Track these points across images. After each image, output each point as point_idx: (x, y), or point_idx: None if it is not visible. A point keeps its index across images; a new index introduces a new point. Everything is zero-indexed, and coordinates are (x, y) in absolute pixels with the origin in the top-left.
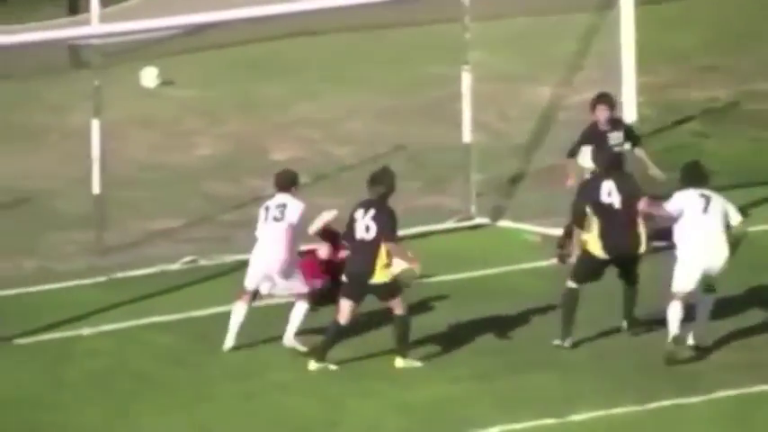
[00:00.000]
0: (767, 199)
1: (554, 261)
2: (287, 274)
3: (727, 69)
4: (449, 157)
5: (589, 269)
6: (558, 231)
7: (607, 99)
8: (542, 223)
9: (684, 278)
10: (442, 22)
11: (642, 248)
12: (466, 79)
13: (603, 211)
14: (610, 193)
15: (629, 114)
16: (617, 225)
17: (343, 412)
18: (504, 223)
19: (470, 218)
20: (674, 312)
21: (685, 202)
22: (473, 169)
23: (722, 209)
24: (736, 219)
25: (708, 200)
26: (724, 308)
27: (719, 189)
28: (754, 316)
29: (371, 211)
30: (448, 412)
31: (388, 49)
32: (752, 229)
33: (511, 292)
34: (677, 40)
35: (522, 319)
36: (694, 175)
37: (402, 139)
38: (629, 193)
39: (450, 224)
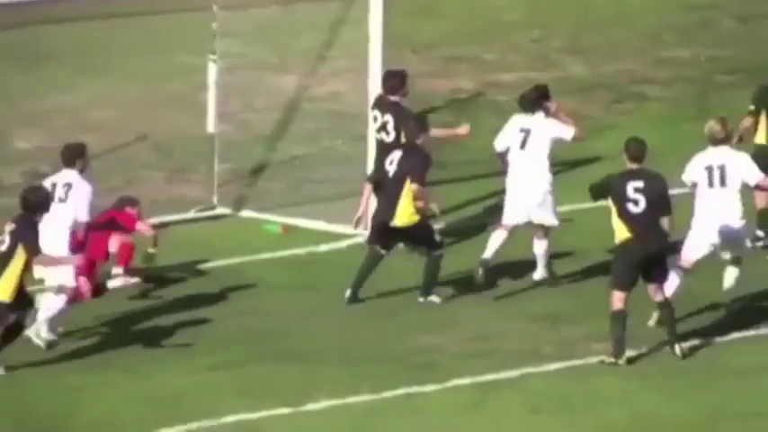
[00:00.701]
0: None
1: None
2: (58, 262)
3: (471, 60)
4: (193, 147)
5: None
6: (301, 221)
7: None
8: (285, 213)
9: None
10: (192, 10)
11: None
12: (212, 69)
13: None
14: None
15: None
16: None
17: (79, 402)
18: (246, 213)
19: (212, 207)
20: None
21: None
22: (216, 159)
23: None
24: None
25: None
26: (461, 299)
27: (466, 179)
28: (488, 305)
29: None
30: (185, 402)
31: (137, 38)
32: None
33: (252, 282)
34: (424, 30)
35: (261, 309)
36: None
37: (148, 129)
38: None
39: (191, 214)
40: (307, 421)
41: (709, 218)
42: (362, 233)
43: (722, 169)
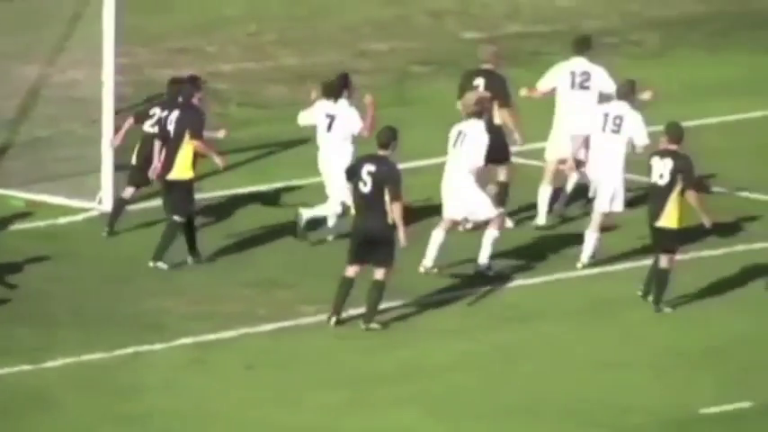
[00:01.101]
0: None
1: None
2: None
3: (195, 51)
4: None
5: None
6: (43, 197)
7: None
8: (28, 189)
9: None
10: None
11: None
12: None
13: None
14: None
15: (108, 93)
16: None
17: None
18: None
19: None
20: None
21: None
22: None
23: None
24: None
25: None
26: (188, 265)
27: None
28: (210, 272)
29: None
30: None
31: None
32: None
33: (4, 254)
34: (154, 24)
35: (5, 277)
36: None
37: None
38: None
39: None
40: (46, 377)
41: None
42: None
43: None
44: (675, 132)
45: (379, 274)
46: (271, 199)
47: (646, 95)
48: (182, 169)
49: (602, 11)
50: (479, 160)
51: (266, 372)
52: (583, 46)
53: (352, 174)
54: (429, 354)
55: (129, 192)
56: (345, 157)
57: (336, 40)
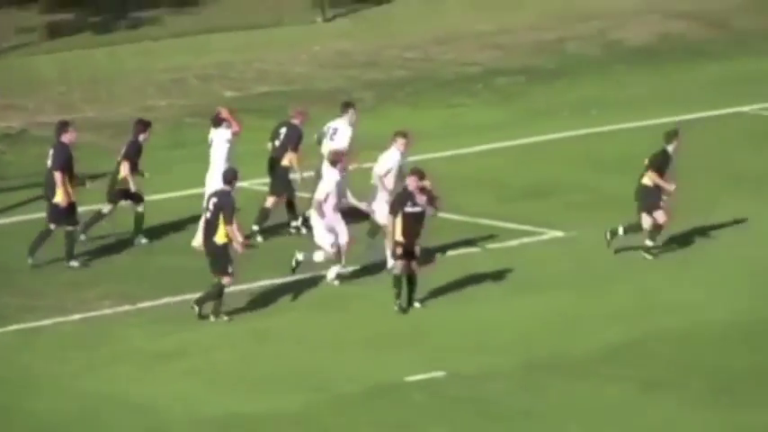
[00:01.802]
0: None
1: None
2: None
3: (19, 107)
4: None
5: None
6: None
7: None
8: None
9: None
10: None
11: None
12: None
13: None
14: None
15: None
16: None
17: None
18: None
19: None
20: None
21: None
22: None
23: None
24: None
25: None
26: None
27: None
28: None
29: None
30: None
31: None
32: None
33: None
34: None
35: None
36: None
37: None
38: None
39: None
40: None
41: None
42: None
43: None
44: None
45: (216, 279)
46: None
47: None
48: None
49: (329, 75)
50: (321, 197)
51: (76, 351)
52: (345, 108)
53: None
54: (200, 336)
55: None
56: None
57: (127, 97)
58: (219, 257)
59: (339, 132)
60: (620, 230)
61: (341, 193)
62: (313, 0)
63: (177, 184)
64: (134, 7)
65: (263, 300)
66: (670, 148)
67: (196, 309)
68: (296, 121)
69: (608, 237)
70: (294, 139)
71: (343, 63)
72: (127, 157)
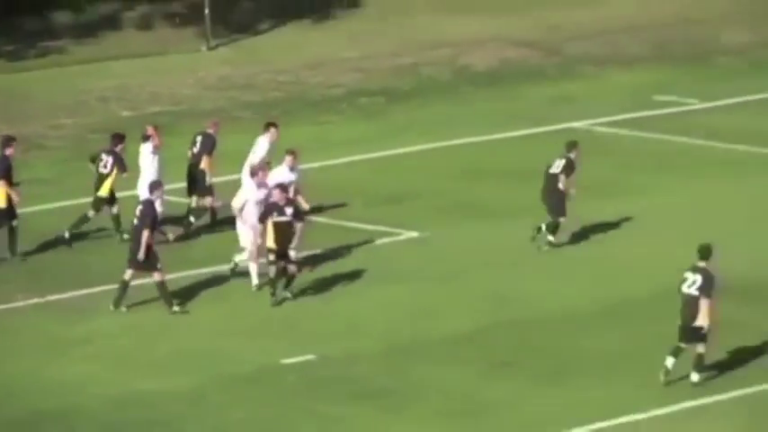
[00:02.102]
0: None
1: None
2: None
3: None
4: None
5: None
6: None
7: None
8: None
9: None
10: None
11: None
12: None
13: None
14: None
15: None
16: None
17: None
18: None
19: None
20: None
21: None
22: None
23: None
24: None
25: None
26: None
27: None
28: None
29: None
30: None
31: None
32: None
33: None
34: None
35: None
36: None
37: None
38: None
39: None
40: None
41: None
42: None
43: None
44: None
45: (154, 276)
46: None
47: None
48: None
49: (213, 96)
50: (238, 204)
51: None
52: (267, 128)
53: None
54: (104, 325)
55: None
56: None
57: (36, 116)
58: (148, 257)
59: (258, 147)
60: (543, 227)
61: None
62: (198, 32)
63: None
64: (43, 38)
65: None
66: (573, 156)
67: (176, 309)
68: (210, 131)
69: (534, 233)
70: (209, 147)
71: (225, 86)
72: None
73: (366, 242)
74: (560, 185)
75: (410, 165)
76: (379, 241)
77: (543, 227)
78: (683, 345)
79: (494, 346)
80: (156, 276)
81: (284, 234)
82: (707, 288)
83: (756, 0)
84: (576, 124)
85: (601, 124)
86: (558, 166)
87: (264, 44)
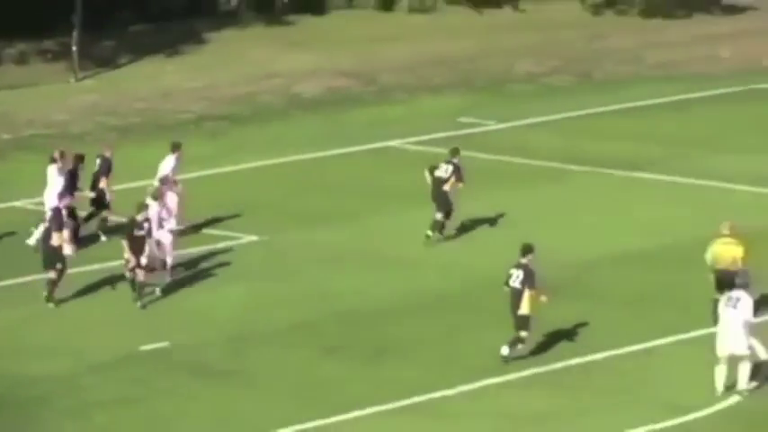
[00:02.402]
0: None
1: None
2: None
3: None
4: None
5: None
6: None
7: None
8: None
9: None
10: None
11: None
12: None
13: None
14: None
15: None
16: None
17: None
18: None
19: None
20: None
21: None
22: None
23: None
24: None
25: None
26: None
27: None
28: None
29: None
30: None
31: None
32: None
33: None
34: None
35: None
36: None
37: None
38: None
39: None
40: None
41: None
42: None
43: None
44: None
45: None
46: None
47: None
48: None
49: (81, 121)
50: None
51: None
52: (174, 149)
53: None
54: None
55: None
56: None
57: None
58: (52, 256)
59: (165, 164)
60: (429, 233)
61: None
62: (67, 66)
63: None
64: None
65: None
66: (456, 161)
67: (52, 305)
68: (107, 154)
69: (428, 233)
70: (105, 168)
71: (91, 112)
72: None
73: (213, 245)
74: (445, 187)
75: (250, 178)
76: (222, 244)
77: (429, 232)
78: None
79: (323, 334)
80: (52, 273)
81: (139, 246)
82: (528, 281)
83: (542, 37)
84: (391, 143)
85: (412, 143)
86: (445, 170)
87: (125, 76)
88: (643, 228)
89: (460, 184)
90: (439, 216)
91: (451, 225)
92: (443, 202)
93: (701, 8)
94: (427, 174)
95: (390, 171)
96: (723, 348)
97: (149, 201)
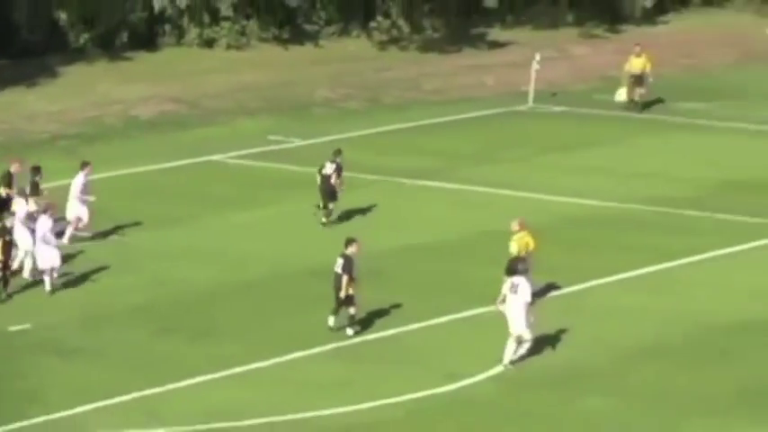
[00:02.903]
0: None
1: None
2: None
3: None
4: None
5: None
6: None
7: None
8: None
9: None
10: None
11: None
12: None
13: None
14: None
15: None
16: None
17: None
18: None
19: None
20: None
21: None
22: None
23: None
24: None
25: None
26: None
27: None
28: None
29: None
30: None
31: None
32: None
33: None
34: None
35: None
36: None
37: None
38: None
39: None
40: None
41: None
42: None
43: None
44: None
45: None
46: None
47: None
48: None
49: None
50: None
51: None
52: (83, 166)
53: None
54: None
55: None
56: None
57: None
58: None
59: (77, 180)
60: (323, 219)
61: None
62: None
63: None
64: None
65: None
66: (339, 160)
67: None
68: (12, 170)
69: (322, 220)
70: (7, 180)
71: None
72: None
73: (75, 246)
74: (332, 181)
75: (99, 188)
76: (80, 245)
77: (324, 220)
78: (337, 310)
79: (159, 316)
80: None
81: (8, 252)
82: (347, 268)
83: (337, 68)
84: (214, 157)
85: (231, 157)
86: (330, 168)
87: None
88: (429, 226)
89: (339, 180)
90: (331, 206)
91: (265, 222)
92: (330, 193)
93: (470, 44)
94: (317, 174)
95: (214, 181)
96: (511, 327)
97: (21, 208)
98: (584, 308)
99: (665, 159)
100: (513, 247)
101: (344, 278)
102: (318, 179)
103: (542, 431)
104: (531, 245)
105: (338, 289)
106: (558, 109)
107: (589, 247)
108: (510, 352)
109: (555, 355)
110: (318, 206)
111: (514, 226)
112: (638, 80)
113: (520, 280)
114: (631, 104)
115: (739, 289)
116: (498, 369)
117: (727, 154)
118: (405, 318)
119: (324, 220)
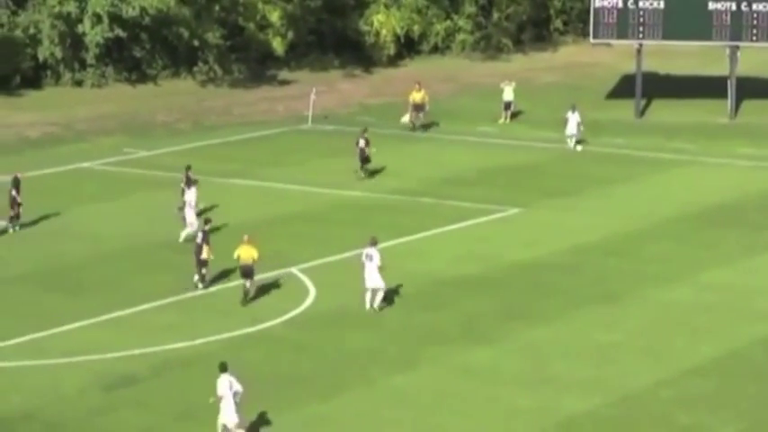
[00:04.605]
0: None
1: None
2: None
3: None
4: None
5: None
6: None
7: None
8: None
9: None
10: None
11: None
12: None
13: None
14: None
15: None
16: None
17: None
18: None
19: None
20: None
21: None
22: None
23: None
24: None
25: None
26: None
27: None
28: None
29: None
30: None
31: None
32: None
33: None
34: None
35: None
36: None
37: None
38: None
39: None
40: None
41: None
42: None
43: None
44: None
45: None
46: None
47: None
48: None
49: None
50: None
51: None
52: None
53: None
54: None
55: None
56: None
57: None
58: None
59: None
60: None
61: None
62: None
63: None
64: None
65: None
66: (366, 135)
67: None
68: None
69: (361, 175)
70: None
71: None
72: None
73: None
74: (365, 151)
75: (1, 188)
76: None
77: (362, 175)
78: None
79: (44, 279)
80: None
81: None
82: (206, 239)
83: (169, 99)
84: (84, 165)
85: (97, 164)
86: (362, 142)
87: None
88: (234, 213)
89: (368, 148)
90: (366, 167)
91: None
92: (364, 158)
93: (266, 82)
94: (355, 145)
95: (84, 182)
96: (367, 283)
97: None
98: (352, 268)
99: (406, 162)
100: (236, 254)
101: (204, 246)
102: (357, 150)
103: (317, 357)
104: (256, 255)
105: (198, 254)
106: (329, 128)
107: (355, 225)
108: (377, 301)
109: (331, 303)
110: (356, 170)
111: (245, 237)
112: (418, 108)
113: (372, 251)
114: (413, 126)
115: (453, 255)
116: (290, 315)
117: (451, 159)
118: (223, 279)
119: (362, 175)
